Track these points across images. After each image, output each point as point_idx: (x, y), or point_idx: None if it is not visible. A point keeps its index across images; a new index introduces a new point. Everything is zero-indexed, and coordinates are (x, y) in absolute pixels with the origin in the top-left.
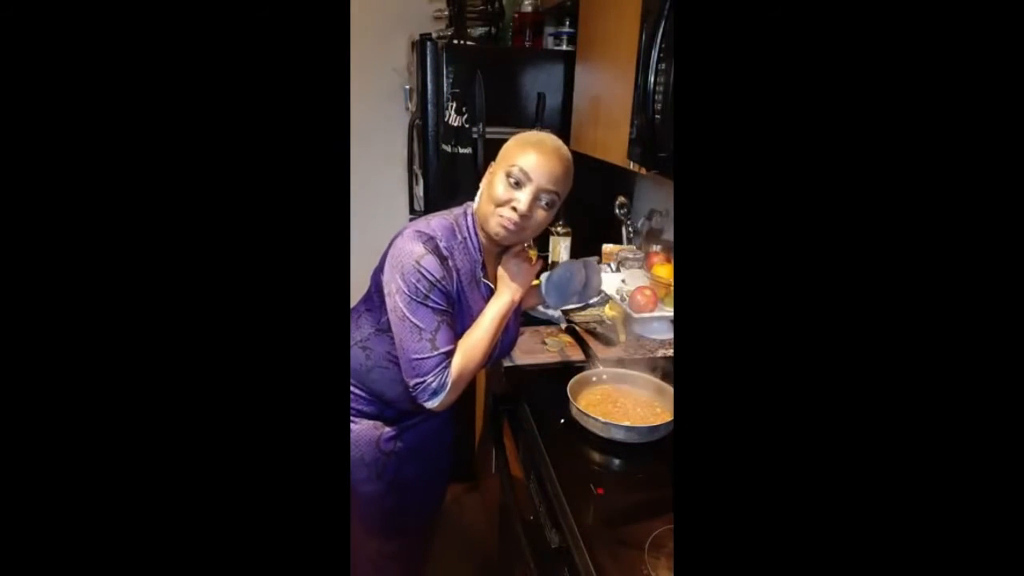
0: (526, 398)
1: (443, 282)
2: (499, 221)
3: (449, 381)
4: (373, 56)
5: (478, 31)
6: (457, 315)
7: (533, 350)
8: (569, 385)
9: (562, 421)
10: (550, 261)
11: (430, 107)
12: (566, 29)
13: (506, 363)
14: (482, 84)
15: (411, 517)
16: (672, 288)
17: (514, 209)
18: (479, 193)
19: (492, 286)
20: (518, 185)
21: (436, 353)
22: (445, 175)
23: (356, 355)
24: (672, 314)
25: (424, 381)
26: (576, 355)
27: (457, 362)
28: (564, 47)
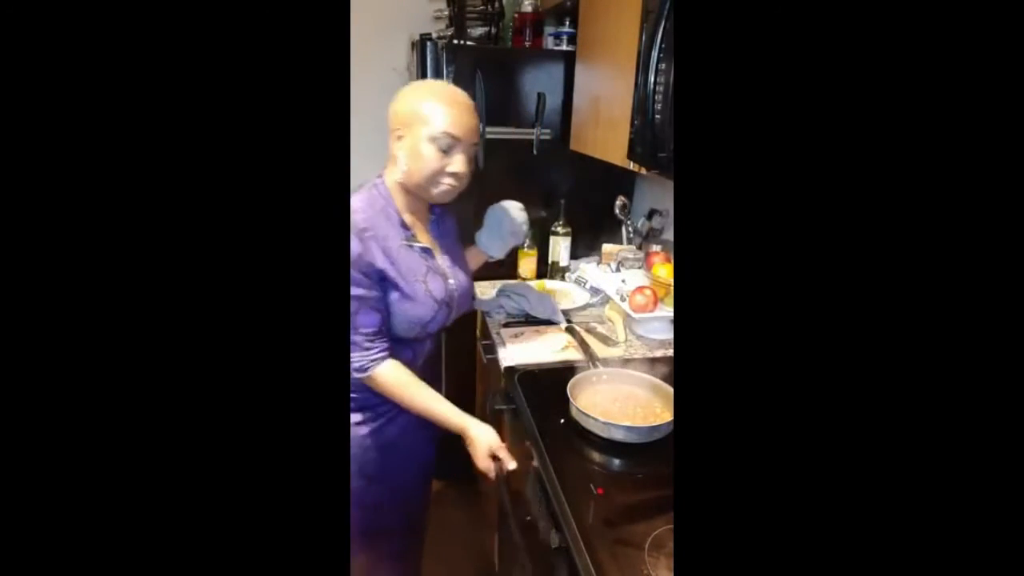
0: (526, 398)
1: (358, 262)
2: (443, 190)
3: (372, 372)
4: (373, 56)
5: (478, 31)
6: (396, 280)
7: (533, 350)
8: (569, 385)
9: (562, 421)
10: (550, 261)
11: None
12: (566, 29)
13: (506, 363)
14: (482, 84)
15: (394, 516)
16: (672, 288)
17: (453, 175)
18: (397, 163)
19: (428, 247)
20: (448, 150)
21: (355, 335)
22: None
23: None
24: (672, 314)
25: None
26: (576, 355)
27: (390, 373)
28: (564, 47)
